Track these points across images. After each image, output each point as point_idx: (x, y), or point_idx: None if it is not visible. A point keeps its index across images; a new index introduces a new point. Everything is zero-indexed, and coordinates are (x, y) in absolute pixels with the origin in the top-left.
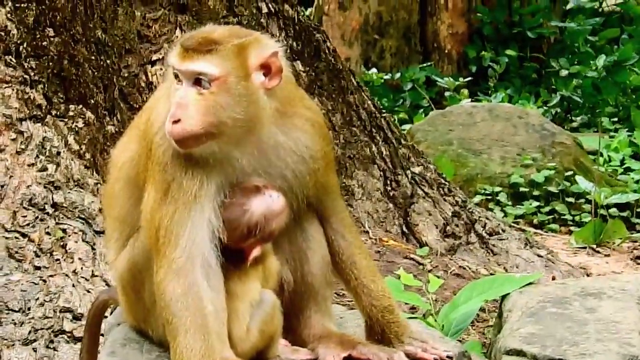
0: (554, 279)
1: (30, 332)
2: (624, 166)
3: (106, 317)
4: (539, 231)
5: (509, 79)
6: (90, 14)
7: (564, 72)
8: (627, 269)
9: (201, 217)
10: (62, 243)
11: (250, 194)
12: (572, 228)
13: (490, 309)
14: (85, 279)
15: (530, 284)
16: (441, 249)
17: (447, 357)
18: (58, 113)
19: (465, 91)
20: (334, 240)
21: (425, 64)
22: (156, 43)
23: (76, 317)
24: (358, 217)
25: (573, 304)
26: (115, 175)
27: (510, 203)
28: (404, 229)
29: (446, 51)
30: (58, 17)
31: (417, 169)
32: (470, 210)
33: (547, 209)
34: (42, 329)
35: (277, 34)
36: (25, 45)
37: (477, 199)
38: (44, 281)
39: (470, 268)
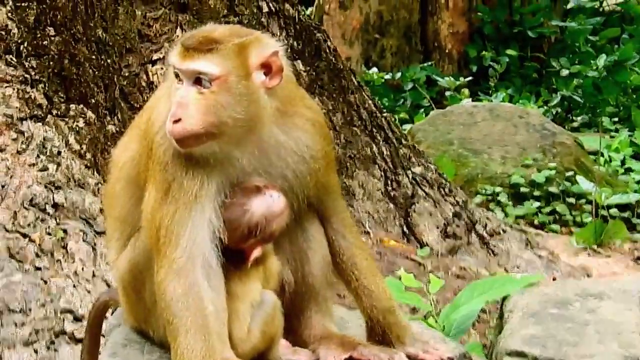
0: (554, 279)
1: (31, 333)
2: (625, 166)
3: (107, 318)
4: (539, 232)
5: (509, 79)
6: (91, 13)
7: (564, 72)
8: (628, 269)
9: (202, 217)
10: (62, 243)
11: (251, 194)
12: (572, 229)
13: (491, 310)
14: (86, 280)
15: (531, 284)
16: (442, 250)
17: (448, 358)
18: (59, 113)
19: (466, 91)
20: (334, 241)
21: (425, 64)
22: (157, 42)
23: (77, 318)
24: (359, 217)
25: (574, 304)
26: (116, 175)
27: (510, 203)
28: (405, 229)
29: (447, 51)
30: (59, 17)
31: (417, 169)
32: (471, 210)
33: (547, 209)
34: (42, 330)
35: (278, 33)
36: (25, 44)
37: (478, 199)
38: (45, 282)
39: (471, 269)
